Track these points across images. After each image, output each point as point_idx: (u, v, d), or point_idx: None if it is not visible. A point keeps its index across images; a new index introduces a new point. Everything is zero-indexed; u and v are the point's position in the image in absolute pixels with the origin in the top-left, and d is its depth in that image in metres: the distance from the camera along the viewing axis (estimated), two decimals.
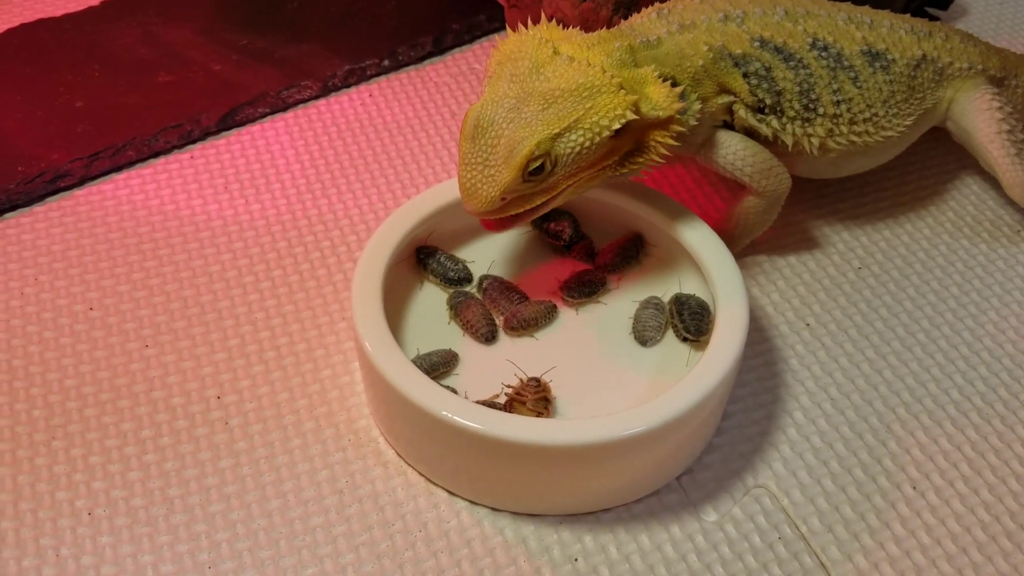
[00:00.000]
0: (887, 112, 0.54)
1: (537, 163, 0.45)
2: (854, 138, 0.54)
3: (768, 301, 0.56)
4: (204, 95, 0.65)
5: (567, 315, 0.52)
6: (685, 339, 0.50)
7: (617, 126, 0.45)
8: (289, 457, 0.48)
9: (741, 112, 0.52)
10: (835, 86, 0.52)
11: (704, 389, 0.44)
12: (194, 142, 0.64)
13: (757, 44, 0.51)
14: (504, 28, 0.73)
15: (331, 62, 0.68)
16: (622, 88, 0.46)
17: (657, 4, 0.53)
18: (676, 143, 0.48)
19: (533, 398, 0.47)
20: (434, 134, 0.65)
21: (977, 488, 0.48)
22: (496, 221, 0.47)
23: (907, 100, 0.55)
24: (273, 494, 0.46)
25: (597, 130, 0.45)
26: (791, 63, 0.52)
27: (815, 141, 0.53)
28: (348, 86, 0.68)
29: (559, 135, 0.45)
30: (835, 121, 0.53)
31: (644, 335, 0.50)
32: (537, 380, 0.47)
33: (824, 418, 0.50)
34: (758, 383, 0.52)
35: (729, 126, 0.52)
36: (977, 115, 0.57)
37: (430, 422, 0.44)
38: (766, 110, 0.52)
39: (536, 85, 0.45)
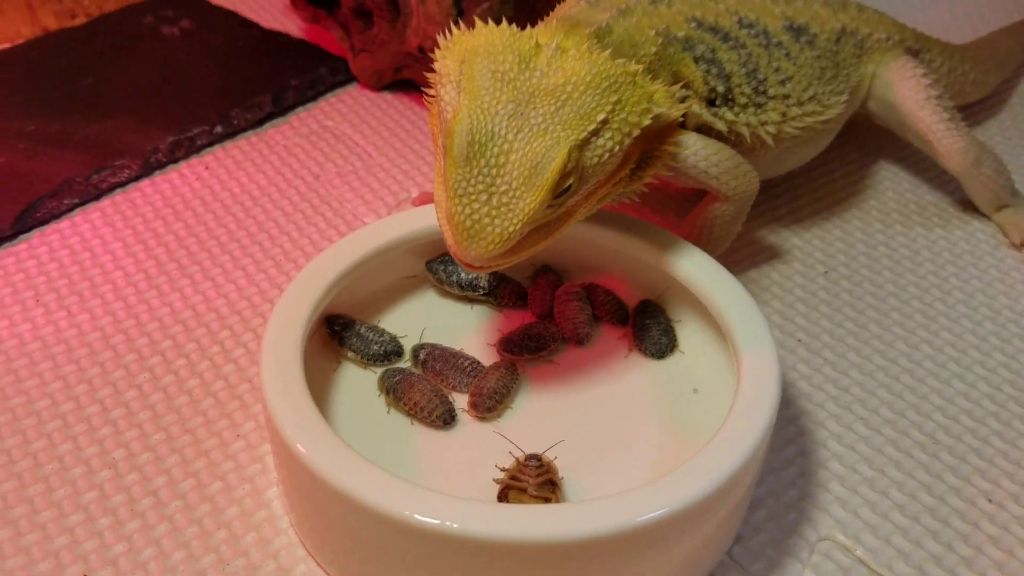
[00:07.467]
0: (825, 90, 0.49)
1: (570, 180, 0.35)
2: (807, 119, 0.47)
3: None
4: None
5: (533, 376, 0.41)
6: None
7: (647, 122, 0.37)
8: None
9: (695, 107, 0.44)
10: (775, 64, 0.46)
11: (749, 444, 0.34)
12: None
13: (695, 25, 0.44)
14: (350, 80, 0.62)
15: (149, 135, 0.55)
16: (635, 80, 0.37)
17: None
18: (681, 149, 0.40)
19: (536, 482, 0.35)
20: (299, 200, 0.53)
21: None
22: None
23: (836, 77, 0.50)
24: None
25: (627, 130, 0.36)
26: (729, 43, 0.45)
27: (771, 129, 0.46)
28: (175, 161, 0.55)
29: (587, 140, 0.35)
30: (786, 103, 0.46)
31: (660, 344, 0.42)
32: (538, 458, 0.36)
33: (863, 442, 0.42)
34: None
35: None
36: (902, 83, 0.52)
37: (410, 534, 0.31)
38: (718, 100, 0.45)
39: (534, 82, 0.36)
